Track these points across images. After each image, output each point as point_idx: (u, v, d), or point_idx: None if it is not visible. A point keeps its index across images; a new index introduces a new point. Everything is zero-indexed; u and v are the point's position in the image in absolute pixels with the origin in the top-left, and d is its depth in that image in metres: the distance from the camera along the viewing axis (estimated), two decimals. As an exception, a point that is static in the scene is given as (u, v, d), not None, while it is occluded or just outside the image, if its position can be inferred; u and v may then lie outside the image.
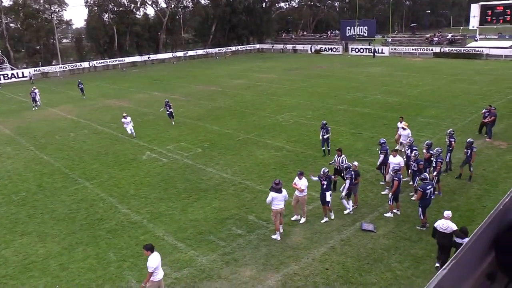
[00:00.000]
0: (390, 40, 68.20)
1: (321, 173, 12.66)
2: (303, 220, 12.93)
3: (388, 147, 15.52)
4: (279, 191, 11.74)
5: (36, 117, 30.95)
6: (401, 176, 13.00)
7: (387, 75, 42.04)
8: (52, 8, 75.16)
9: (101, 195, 15.87)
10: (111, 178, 17.51)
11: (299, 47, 77.46)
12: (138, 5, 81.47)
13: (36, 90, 34.90)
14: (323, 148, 18.67)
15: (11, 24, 71.56)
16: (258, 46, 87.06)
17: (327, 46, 72.81)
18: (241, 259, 11.14)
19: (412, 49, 61.29)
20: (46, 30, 71.63)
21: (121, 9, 78.42)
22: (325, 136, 18.35)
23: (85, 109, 32.92)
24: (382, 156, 15.20)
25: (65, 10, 79.15)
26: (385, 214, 13.08)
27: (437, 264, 10.38)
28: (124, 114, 23.19)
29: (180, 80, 47.54)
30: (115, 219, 13.84)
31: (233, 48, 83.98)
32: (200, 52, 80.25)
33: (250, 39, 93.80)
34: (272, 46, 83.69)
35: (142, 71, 60.94)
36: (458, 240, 9.73)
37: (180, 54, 76.86)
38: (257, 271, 10.60)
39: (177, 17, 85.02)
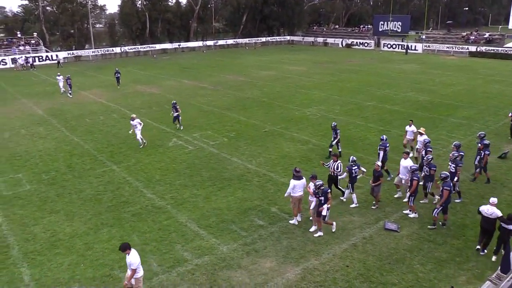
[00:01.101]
0: (424, 37, 66.52)
1: (314, 189, 11.63)
2: (313, 228, 12.21)
3: (388, 144, 15.38)
4: (299, 178, 12.08)
5: (68, 100, 31.70)
6: (419, 176, 12.73)
7: (420, 73, 41.10)
8: (87, -8, 76.45)
9: (128, 178, 16.17)
10: (138, 163, 17.81)
11: (330, 40, 76.52)
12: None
13: (60, 77, 34.44)
14: (330, 150, 17.82)
15: (47, 8, 73.25)
16: (288, 38, 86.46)
17: (358, 41, 71.69)
18: (261, 250, 11.18)
19: (447, 47, 59.62)
20: (80, 15, 73.03)
21: (154, -5, 79.06)
22: (333, 142, 17.58)
23: (116, 93, 33.49)
24: (381, 153, 15.07)
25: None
26: (409, 215, 12.85)
27: (478, 247, 10.96)
28: (133, 116, 20.35)
29: (209, 69, 47.77)
30: (140, 203, 14.09)
31: (263, 39, 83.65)
32: (230, 41, 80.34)
33: (281, 31, 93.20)
34: (303, 39, 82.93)
35: (172, 58, 61.48)
36: (504, 225, 10.16)
37: (210, 43, 77.11)
38: (277, 263, 10.63)
39: (209, 5, 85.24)
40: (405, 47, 61.27)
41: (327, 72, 42.49)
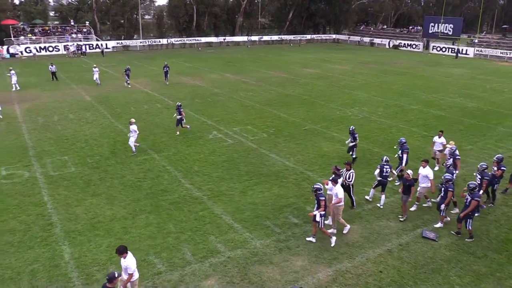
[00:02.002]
0: (476, 41, 63.92)
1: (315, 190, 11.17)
2: (333, 230, 11.90)
3: (408, 148, 15.08)
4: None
5: (114, 88, 32.73)
6: (453, 187, 12.26)
7: (469, 78, 39.53)
8: (138, -16, 78.40)
9: (167, 167, 16.54)
10: (178, 153, 18.17)
11: (376, 40, 74.94)
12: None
13: (96, 69, 34.23)
14: (353, 156, 17.31)
15: (100, -3, 75.74)
16: (334, 36, 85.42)
17: (406, 42, 69.78)
18: (294, 248, 11.16)
19: (501, 53, 56.99)
20: (131, 6, 75.10)
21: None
22: (350, 144, 17.10)
23: (161, 84, 34.23)
24: (405, 156, 14.79)
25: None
26: (435, 225, 12.42)
27: None
28: (131, 120, 18.41)
29: (253, 64, 47.94)
30: (178, 192, 14.38)
31: (308, 37, 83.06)
32: (275, 38, 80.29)
33: (327, 29, 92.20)
34: (349, 38, 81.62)
35: (217, 52, 62.15)
36: None
37: (255, 38, 77.35)
38: (309, 262, 10.58)
39: (256, 1, 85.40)
40: (456, 50, 59.11)
41: (371, 73, 41.67)
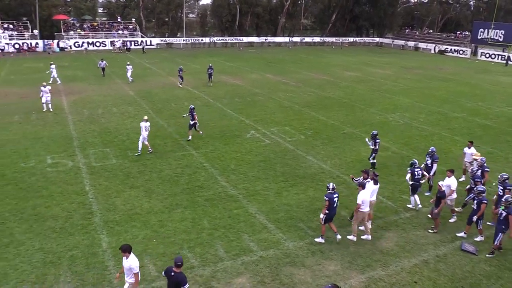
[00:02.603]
0: (529, 48, 61.04)
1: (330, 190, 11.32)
2: (369, 237, 11.83)
3: (438, 157, 14.67)
4: (377, 182, 12.19)
5: (157, 84, 33.49)
6: (486, 199, 11.72)
7: (519, 87, 37.80)
8: (184, -17, 79.85)
9: (204, 164, 16.77)
10: (215, 150, 18.39)
11: (421, 45, 72.98)
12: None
13: (130, 66, 34.29)
14: (370, 161, 16.87)
15: (146, -5, 77.68)
16: (377, 39, 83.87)
17: (453, 48, 67.57)
18: (327, 252, 11.05)
19: (555, 62, 54.20)
20: (176, 4, 76.62)
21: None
22: (374, 148, 16.59)
23: (201, 82, 34.71)
24: (435, 166, 14.38)
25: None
26: (475, 238, 11.93)
27: None
28: (145, 118, 18.01)
29: (293, 65, 47.82)
30: (214, 189, 14.55)
31: (351, 39, 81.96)
32: (317, 39, 79.76)
33: (370, 32, 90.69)
34: (393, 42, 79.90)
35: (258, 52, 62.39)
36: None
37: (296, 39, 77.10)
38: (341, 267, 10.45)
39: (299, 2, 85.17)
40: (506, 58, 56.68)
41: (414, 78, 40.63)
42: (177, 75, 33.33)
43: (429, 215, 12.73)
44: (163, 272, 8.25)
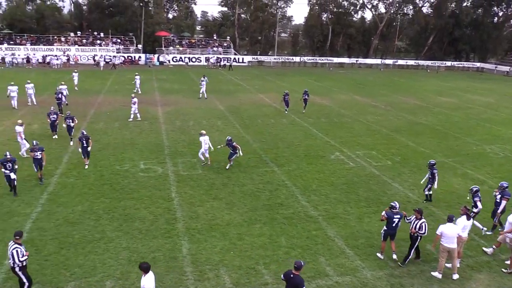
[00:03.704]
0: None
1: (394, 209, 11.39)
2: (456, 276, 10.90)
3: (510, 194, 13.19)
4: (469, 218, 11.39)
5: (246, 100, 34.44)
6: None
7: None
8: (278, 3, 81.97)
9: (286, 182, 16.78)
10: (298, 169, 18.34)
11: (530, 72, 67.00)
12: (357, 8, 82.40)
13: (204, 79, 34.37)
14: (425, 192, 15.65)
15: (242, 15, 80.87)
16: (478, 64, 78.55)
17: None
18: (408, 286, 10.40)
19: None
20: (269, 23, 78.86)
21: (340, 10, 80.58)
22: (432, 179, 15.36)
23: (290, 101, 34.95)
24: (504, 203, 13.02)
25: (289, 6, 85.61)
26: None
27: None
28: (202, 132, 18.48)
29: (384, 87, 46.46)
30: (293, 208, 14.47)
31: (448, 63, 77.72)
32: (411, 62, 76.88)
33: (470, 56, 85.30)
34: (496, 67, 74.21)
35: (348, 72, 61.65)
36: None
37: (389, 61, 75.01)
38: (424, 305, 9.76)
39: (394, 23, 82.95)
40: None
41: (520, 108, 37.29)
42: (281, 100, 31.01)
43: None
44: (282, 275, 8.63)
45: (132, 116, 25.77)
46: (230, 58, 63.45)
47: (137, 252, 11.28)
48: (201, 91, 34.22)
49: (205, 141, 18.04)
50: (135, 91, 34.34)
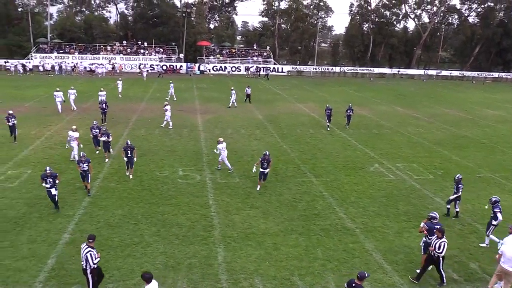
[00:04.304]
0: None
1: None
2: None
3: None
4: None
5: (285, 110, 34.43)
6: None
7: None
8: (319, 14, 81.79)
9: (323, 193, 16.58)
10: (336, 180, 18.09)
11: None
12: (400, 18, 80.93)
13: (233, 91, 34.62)
14: (448, 206, 15.06)
15: (282, 25, 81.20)
16: (529, 76, 75.18)
17: None
18: (450, 306, 10.00)
19: None
20: (309, 33, 78.76)
21: (382, 20, 79.45)
22: (452, 197, 14.89)
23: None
24: None
25: (330, 16, 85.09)
26: None
27: None
28: (220, 139, 18.81)
29: (426, 99, 45.26)
30: (330, 219, 14.26)
31: (496, 74, 74.90)
32: (455, 73, 74.59)
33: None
34: (549, 79, 70.81)
35: (389, 83, 60.53)
36: None
37: (432, 72, 73.09)
38: (466, 326, 9.33)
39: (438, 33, 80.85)
40: None
41: None
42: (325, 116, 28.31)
43: None
44: (345, 284, 8.73)
45: (164, 123, 26.33)
46: (269, 67, 63.69)
47: (174, 258, 11.44)
48: (231, 100, 34.54)
49: (223, 148, 18.29)
50: (167, 98, 35.16)
